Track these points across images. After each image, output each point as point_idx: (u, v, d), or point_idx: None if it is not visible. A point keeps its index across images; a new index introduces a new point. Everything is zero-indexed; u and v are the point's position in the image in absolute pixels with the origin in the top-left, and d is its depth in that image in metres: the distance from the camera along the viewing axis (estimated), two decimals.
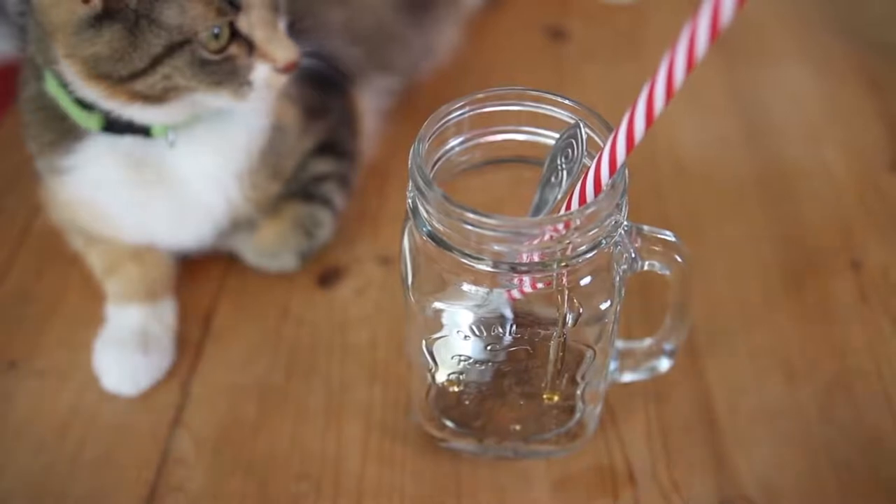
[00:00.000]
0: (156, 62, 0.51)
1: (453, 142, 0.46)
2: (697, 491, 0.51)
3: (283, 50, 0.53)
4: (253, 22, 0.52)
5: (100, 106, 0.53)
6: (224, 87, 0.52)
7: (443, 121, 0.45)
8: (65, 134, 0.56)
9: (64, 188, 0.58)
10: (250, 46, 0.52)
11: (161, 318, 0.59)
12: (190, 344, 0.59)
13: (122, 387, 0.56)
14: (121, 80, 0.51)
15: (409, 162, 0.43)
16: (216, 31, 0.51)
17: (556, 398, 0.51)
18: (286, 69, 0.54)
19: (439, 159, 0.46)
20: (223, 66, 0.52)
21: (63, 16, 0.50)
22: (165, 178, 0.57)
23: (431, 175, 0.44)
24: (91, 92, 0.52)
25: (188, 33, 0.50)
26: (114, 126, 0.55)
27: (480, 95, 0.46)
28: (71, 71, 0.52)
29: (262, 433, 0.55)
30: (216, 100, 0.53)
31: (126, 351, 0.56)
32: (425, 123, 0.44)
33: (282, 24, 0.55)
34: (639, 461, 0.53)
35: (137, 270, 0.60)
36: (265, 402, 0.56)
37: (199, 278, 0.63)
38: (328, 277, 0.63)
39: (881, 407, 0.55)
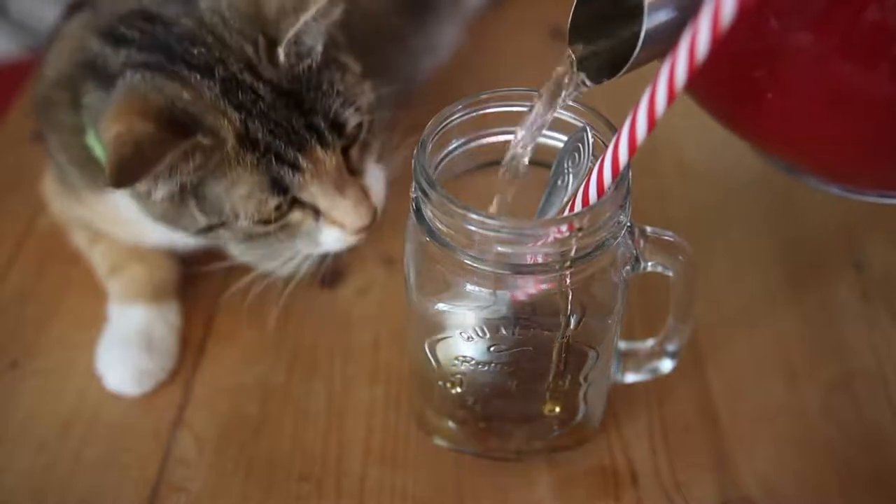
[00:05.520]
0: (200, 233, 0.52)
1: (457, 143, 0.46)
2: (699, 491, 0.51)
3: (352, 216, 0.51)
4: (314, 192, 0.51)
5: None
6: (284, 248, 0.52)
7: (446, 121, 0.45)
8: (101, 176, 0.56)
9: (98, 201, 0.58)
10: (316, 212, 0.52)
11: (166, 319, 0.59)
12: (192, 344, 0.59)
13: (125, 387, 0.56)
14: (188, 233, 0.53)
15: (413, 162, 0.43)
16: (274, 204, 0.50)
17: (557, 409, 0.51)
18: (358, 233, 0.52)
19: (443, 160, 0.46)
20: (278, 233, 0.51)
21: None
22: None
23: (435, 176, 0.44)
24: None
25: (226, 218, 0.50)
26: None
27: (484, 96, 0.46)
28: None
29: (263, 433, 0.55)
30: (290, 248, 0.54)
31: (130, 351, 0.56)
32: (429, 124, 0.44)
33: (371, 165, 0.53)
34: (641, 461, 0.53)
35: (142, 271, 0.60)
36: (267, 402, 0.56)
37: (202, 278, 0.63)
38: (331, 278, 0.63)
39: (883, 407, 0.55)
